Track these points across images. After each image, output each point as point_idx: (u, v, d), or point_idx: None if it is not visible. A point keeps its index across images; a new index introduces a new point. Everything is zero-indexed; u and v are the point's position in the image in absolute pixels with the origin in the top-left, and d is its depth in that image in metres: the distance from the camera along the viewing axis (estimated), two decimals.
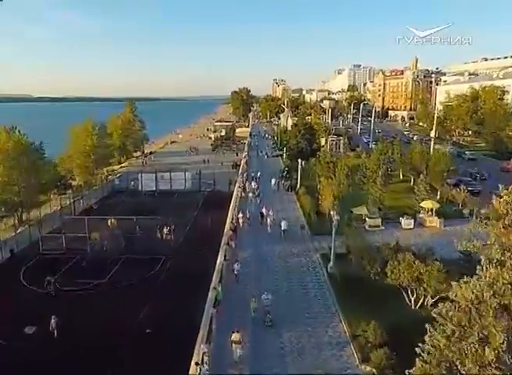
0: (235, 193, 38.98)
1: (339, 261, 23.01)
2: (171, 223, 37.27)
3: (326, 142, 70.21)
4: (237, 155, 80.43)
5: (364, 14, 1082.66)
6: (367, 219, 30.10)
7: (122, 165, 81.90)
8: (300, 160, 42.80)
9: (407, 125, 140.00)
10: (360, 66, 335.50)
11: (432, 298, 18.19)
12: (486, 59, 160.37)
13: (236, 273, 21.65)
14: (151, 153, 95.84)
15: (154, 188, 55.47)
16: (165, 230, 36.31)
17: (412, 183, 44.82)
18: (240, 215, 31.50)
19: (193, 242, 34.11)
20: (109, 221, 35.45)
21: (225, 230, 28.20)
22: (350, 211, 31.53)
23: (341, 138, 73.44)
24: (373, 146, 79.98)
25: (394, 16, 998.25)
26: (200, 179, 56.78)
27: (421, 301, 18.55)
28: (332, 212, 22.16)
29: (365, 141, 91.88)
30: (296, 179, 44.43)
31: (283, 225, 29.32)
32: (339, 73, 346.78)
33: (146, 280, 28.60)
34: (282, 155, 67.34)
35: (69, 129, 67.25)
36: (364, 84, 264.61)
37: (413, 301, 18.79)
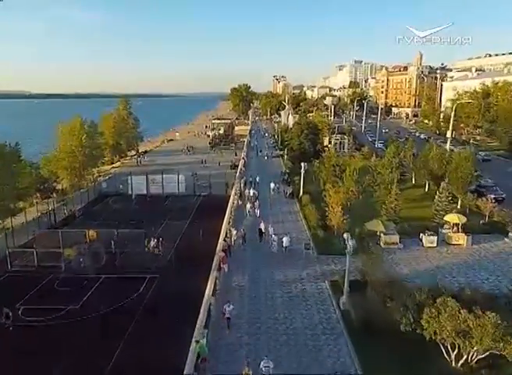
0: (230, 201, 34.62)
1: (353, 292, 18.85)
2: (159, 235, 33.27)
3: (330, 142, 65.98)
4: (236, 154, 76.37)
5: (364, 10, 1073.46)
6: (382, 235, 25.87)
7: (115, 165, 77.68)
8: (302, 164, 38.34)
9: (412, 122, 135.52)
10: (361, 61, 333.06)
11: (480, 354, 14.08)
12: (490, 55, 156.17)
13: (227, 316, 17.29)
14: (145, 152, 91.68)
15: (145, 192, 51.30)
16: (153, 243, 32.23)
17: (427, 189, 40.65)
18: (234, 232, 27.03)
19: (184, 257, 29.96)
20: (88, 233, 31.23)
21: (217, 250, 23.95)
22: (363, 225, 27.26)
23: (345, 137, 69.17)
24: (380, 145, 75.93)
25: (395, 12, 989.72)
26: (194, 182, 52.66)
27: (464, 357, 14.38)
28: (345, 236, 17.97)
29: (370, 139, 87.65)
30: (299, 184, 40.18)
31: (285, 241, 25.16)
32: (340, 70, 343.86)
33: (126, 307, 24.57)
34: (282, 156, 63.17)
35: (57, 127, 63.05)
36: (366, 81, 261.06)
37: (453, 357, 14.63)
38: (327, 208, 30.37)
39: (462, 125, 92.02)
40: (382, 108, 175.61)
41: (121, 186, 52.33)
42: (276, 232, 26.80)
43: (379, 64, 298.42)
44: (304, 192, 37.49)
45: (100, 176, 65.10)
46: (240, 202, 35.09)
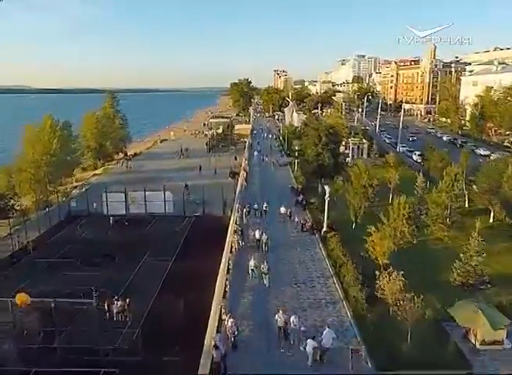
0: (227, 246, 24.05)
1: None
2: (125, 295, 23.48)
3: (346, 147, 55.76)
4: (236, 158, 66.75)
5: (366, 5, 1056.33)
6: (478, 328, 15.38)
7: (97, 171, 67.43)
8: (326, 187, 27.74)
9: (426, 120, 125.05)
10: (364, 56, 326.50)
11: None
12: (501, 49, 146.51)
13: None
14: (135, 155, 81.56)
15: (124, 212, 41.40)
16: (117, 306, 22.47)
17: (492, 219, 30.60)
18: (230, 320, 15.56)
19: (162, 331, 20.48)
20: (17, 299, 21.24)
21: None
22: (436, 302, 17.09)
23: (364, 141, 58.96)
24: (403, 149, 65.72)
25: (397, 8, 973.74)
26: (185, 197, 42.77)
27: None
28: None
29: (388, 141, 76.99)
30: (320, 210, 29.97)
31: (326, 339, 14.39)
32: (342, 64, 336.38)
33: None
34: (291, 164, 53.11)
35: (24, 130, 52.96)
36: (370, 75, 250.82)
37: None
38: (369, 257, 20.49)
39: (490, 125, 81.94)
40: (390, 105, 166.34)
41: (94, 204, 42.37)
42: (302, 323, 15.95)
43: (383, 59, 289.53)
44: (328, 225, 27.39)
45: (75, 187, 55.07)
46: (241, 243, 24.81)
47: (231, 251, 22.85)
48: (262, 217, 31.13)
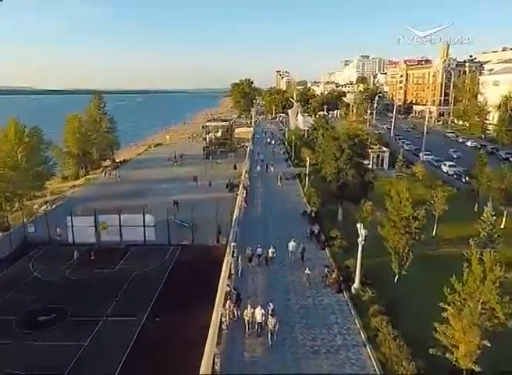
0: (210, 339, 14.49)
1: None
2: None
3: (364, 157, 47.22)
4: (235, 167, 58.74)
5: (367, 3, 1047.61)
6: None
7: (77, 182, 59.10)
8: (360, 227, 19.11)
9: (440, 123, 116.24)
10: (368, 56, 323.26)
11: None
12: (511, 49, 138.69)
13: None
14: (124, 162, 73.32)
15: (94, 240, 33.07)
16: None
17: None
18: None
19: None
20: None
21: None
22: None
23: (384, 149, 50.52)
24: (427, 157, 57.26)
25: (397, 7, 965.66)
26: (169, 224, 34.25)
27: None
28: None
29: (406, 147, 68.12)
30: (348, 252, 21.52)
31: None
32: (346, 65, 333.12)
33: None
34: (300, 175, 44.87)
35: None
36: (375, 76, 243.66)
37: None
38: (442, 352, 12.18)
39: None
40: (399, 106, 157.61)
41: (58, 229, 34.05)
42: None
43: (387, 59, 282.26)
44: (361, 280, 18.86)
45: (46, 202, 46.82)
46: (236, 313, 16.27)
47: (219, 335, 14.35)
48: (268, 266, 22.59)
